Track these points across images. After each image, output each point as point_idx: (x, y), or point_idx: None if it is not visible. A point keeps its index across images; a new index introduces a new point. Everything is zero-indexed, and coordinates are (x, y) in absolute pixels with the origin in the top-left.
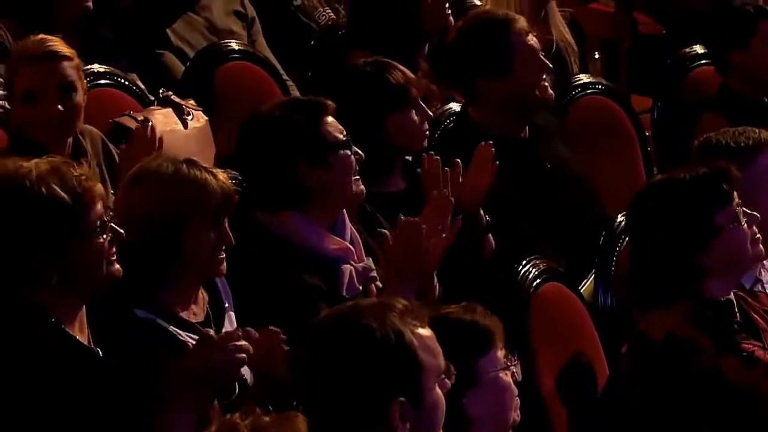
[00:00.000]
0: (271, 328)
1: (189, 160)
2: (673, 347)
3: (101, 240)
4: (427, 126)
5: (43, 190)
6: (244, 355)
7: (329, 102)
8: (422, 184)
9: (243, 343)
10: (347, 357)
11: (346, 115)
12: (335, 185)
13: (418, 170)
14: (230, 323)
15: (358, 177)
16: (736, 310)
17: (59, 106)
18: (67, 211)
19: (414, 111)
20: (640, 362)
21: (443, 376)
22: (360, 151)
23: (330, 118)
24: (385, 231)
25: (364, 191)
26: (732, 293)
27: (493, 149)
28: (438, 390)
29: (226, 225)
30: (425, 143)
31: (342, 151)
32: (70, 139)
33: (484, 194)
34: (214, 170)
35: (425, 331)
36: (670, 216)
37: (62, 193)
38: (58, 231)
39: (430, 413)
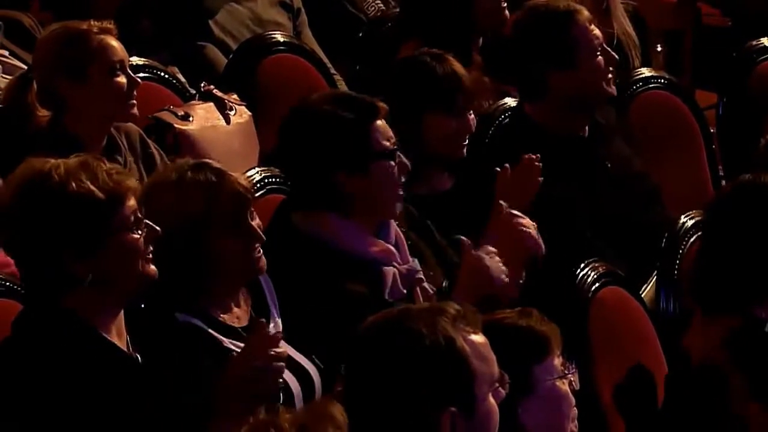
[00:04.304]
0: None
1: (196, 165)
2: (705, 381)
3: (136, 235)
4: (466, 137)
5: (73, 185)
6: (282, 363)
7: (382, 104)
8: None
9: (282, 350)
10: (395, 364)
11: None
12: (373, 195)
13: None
14: (275, 324)
15: (401, 192)
16: None
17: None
18: (99, 205)
19: (454, 118)
20: (675, 387)
21: (497, 384)
22: (406, 160)
23: (380, 122)
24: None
25: (401, 207)
26: None
27: (539, 163)
28: (491, 399)
29: (252, 222)
30: (462, 152)
31: (384, 161)
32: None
33: (528, 202)
34: (226, 170)
35: (479, 338)
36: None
37: (93, 188)
38: (92, 226)
39: (482, 424)
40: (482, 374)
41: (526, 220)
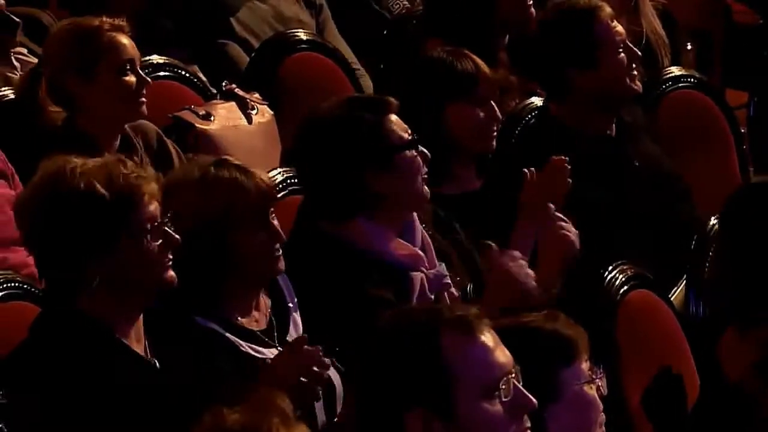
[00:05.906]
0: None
1: (218, 161)
2: (737, 404)
3: (152, 244)
4: (495, 127)
5: (82, 185)
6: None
7: (392, 99)
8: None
9: (327, 361)
10: (375, 360)
11: (409, 102)
12: (401, 189)
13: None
14: (295, 327)
15: (426, 177)
16: None
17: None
18: (107, 207)
19: (479, 107)
20: (707, 405)
21: (501, 390)
22: (426, 150)
23: (393, 117)
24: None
25: (429, 194)
26: None
27: (568, 166)
28: (487, 406)
29: (274, 221)
30: (492, 144)
31: (408, 152)
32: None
33: (559, 204)
34: (248, 168)
35: (477, 342)
36: None
37: (102, 190)
38: (100, 228)
39: (466, 429)
40: (468, 377)
41: (569, 225)
